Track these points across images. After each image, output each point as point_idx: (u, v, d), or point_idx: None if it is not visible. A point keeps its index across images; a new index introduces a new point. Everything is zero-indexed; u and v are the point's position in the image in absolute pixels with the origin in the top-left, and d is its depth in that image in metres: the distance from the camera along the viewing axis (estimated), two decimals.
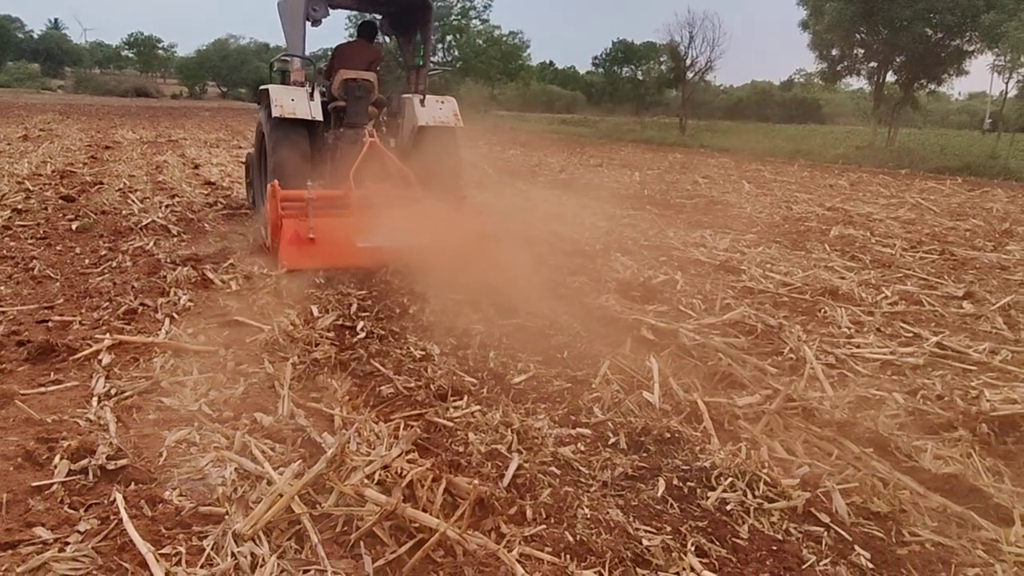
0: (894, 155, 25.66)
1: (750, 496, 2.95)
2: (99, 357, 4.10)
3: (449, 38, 55.49)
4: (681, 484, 3.04)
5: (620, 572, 2.48)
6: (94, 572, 2.35)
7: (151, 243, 7.13)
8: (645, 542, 2.63)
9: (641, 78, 68.59)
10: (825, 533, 2.77)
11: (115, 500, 2.68)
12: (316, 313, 5.06)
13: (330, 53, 8.51)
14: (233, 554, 2.42)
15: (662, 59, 59.11)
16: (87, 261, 6.40)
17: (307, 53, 7.85)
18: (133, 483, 2.86)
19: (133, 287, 5.52)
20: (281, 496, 2.64)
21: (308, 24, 7.61)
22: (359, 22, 9.77)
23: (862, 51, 30.87)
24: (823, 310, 5.87)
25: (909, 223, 11.13)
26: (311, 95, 7.28)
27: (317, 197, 6.33)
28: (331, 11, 7.88)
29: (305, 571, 2.40)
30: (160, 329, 4.61)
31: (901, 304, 6.21)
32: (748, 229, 9.87)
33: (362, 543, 2.54)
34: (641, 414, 3.67)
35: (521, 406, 3.76)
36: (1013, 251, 8.96)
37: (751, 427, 3.64)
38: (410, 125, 7.86)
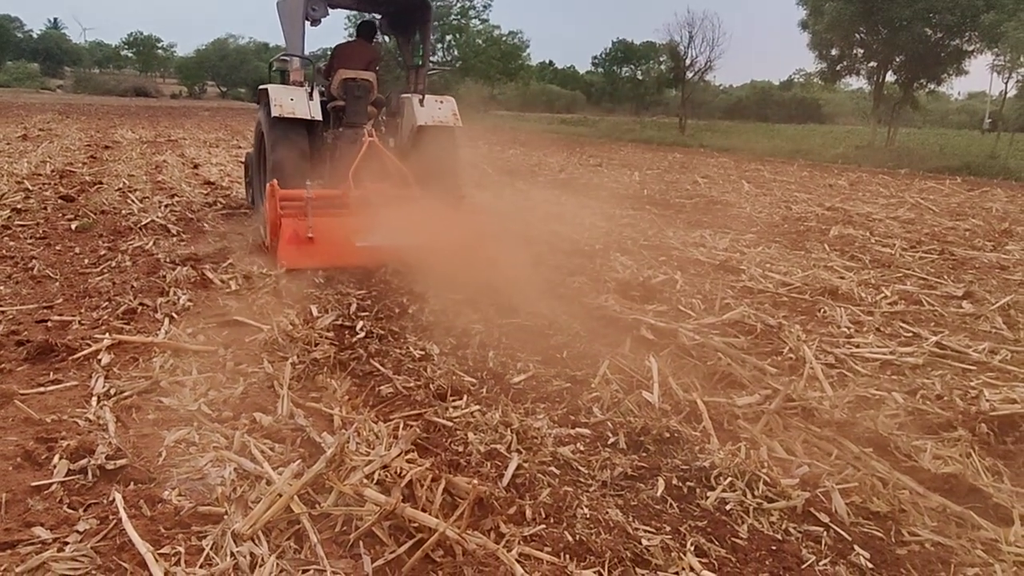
0: (894, 155, 25.67)
1: (749, 496, 2.95)
2: (98, 357, 4.10)
3: (449, 38, 55.52)
4: (680, 484, 3.05)
5: (619, 572, 2.48)
6: (93, 572, 2.35)
7: (150, 243, 7.12)
8: (644, 542, 2.63)
9: (641, 78, 68.65)
10: (824, 533, 2.77)
11: (114, 500, 2.68)
12: (315, 313, 5.06)
13: (329, 53, 8.50)
14: (232, 554, 2.42)
15: (662, 59, 59.27)
16: (86, 261, 6.40)
17: (306, 53, 7.85)
18: (132, 483, 2.86)
19: (132, 287, 5.51)
20: (280, 496, 2.64)
21: (307, 24, 7.61)
22: (358, 22, 9.75)
23: (862, 51, 30.89)
24: (823, 310, 5.87)
25: (909, 223, 11.13)
26: (310, 95, 7.28)
27: (316, 196, 6.33)
28: (330, 11, 7.88)
29: (304, 571, 2.40)
30: (159, 329, 4.61)
31: (901, 304, 6.21)
32: (748, 229, 9.87)
33: (361, 543, 2.54)
34: (640, 414, 3.67)
35: (520, 406, 3.76)
36: (1012, 251, 8.97)
37: (750, 427, 3.64)
38: (409, 125, 7.86)
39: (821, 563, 2.60)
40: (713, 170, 19.82)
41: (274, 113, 7.00)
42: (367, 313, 5.18)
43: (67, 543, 2.45)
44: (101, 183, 11.11)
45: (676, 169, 19.79)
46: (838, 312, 5.77)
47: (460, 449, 3.27)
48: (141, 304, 5.08)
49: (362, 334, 4.72)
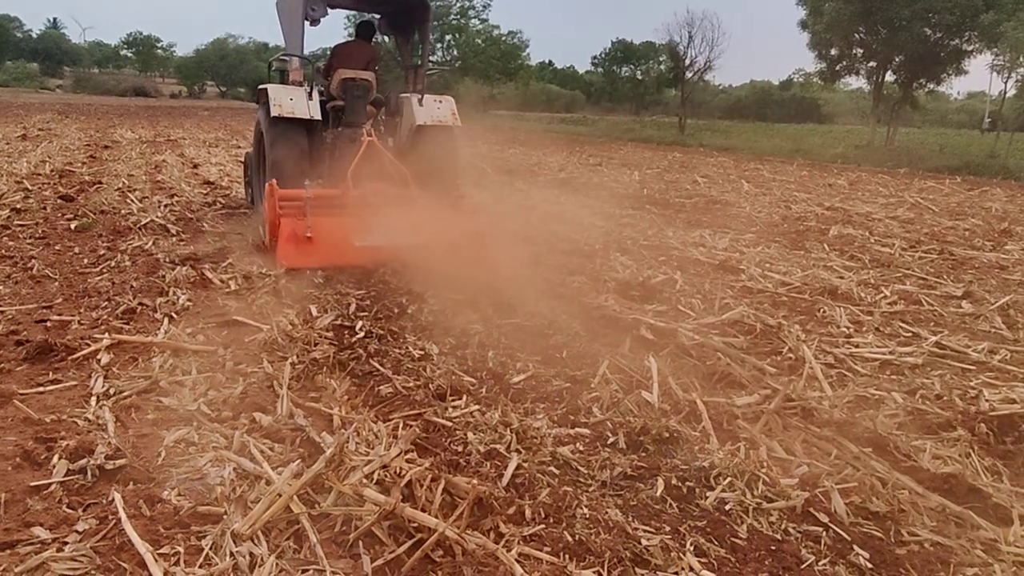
0: (893, 154, 25.68)
1: (749, 496, 2.95)
2: (98, 357, 4.10)
3: (448, 37, 55.50)
4: (680, 484, 3.05)
5: (619, 572, 2.48)
6: (92, 572, 2.35)
7: (150, 242, 7.12)
8: (644, 542, 2.63)
9: (640, 78, 68.68)
10: (824, 533, 2.77)
11: (113, 500, 2.68)
12: (315, 313, 5.06)
13: (329, 52, 8.51)
14: (232, 554, 2.42)
15: (661, 59, 59.31)
16: (86, 260, 6.39)
17: (306, 53, 7.85)
18: (132, 483, 2.86)
19: (132, 287, 5.51)
20: (280, 496, 2.64)
21: (307, 24, 7.61)
22: (357, 21, 9.75)
23: (861, 51, 30.92)
24: (822, 310, 5.87)
25: (908, 222, 11.14)
26: (309, 94, 7.29)
27: (315, 196, 6.35)
28: (329, 11, 7.88)
29: (304, 571, 2.40)
30: (159, 329, 4.60)
31: (900, 304, 6.21)
32: (747, 228, 9.87)
33: (361, 543, 2.54)
34: (640, 414, 3.67)
35: (520, 406, 3.76)
36: (1012, 250, 8.97)
37: (750, 427, 3.64)
38: (408, 124, 7.87)
39: (820, 563, 2.60)
40: (713, 170, 19.82)
41: (273, 113, 7.00)
42: (366, 313, 5.18)
43: (66, 543, 2.45)
44: (100, 183, 11.10)
45: (676, 169, 19.79)
46: (837, 312, 5.77)
47: (459, 449, 3.27)
48: (140, 304, 5.08)
49: (361, 334, 4.72)
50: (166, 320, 4.76)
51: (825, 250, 8.56)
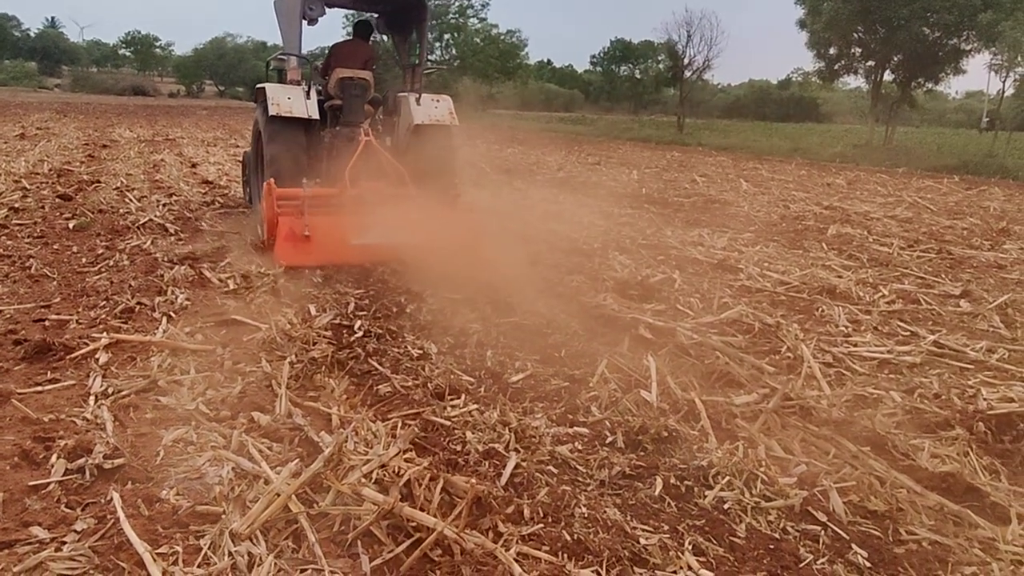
0: (891, 154, 25.71)
1: (747, 495, 2.96)
2: (96, 356, 4.09)
3: (447, 36, 55.49)
4: (678, 483, 3.05)
5: (617, 571, 2.48)
6: (91, 571, 2.35)
7: (148, 242, 7.11)
8: (642, 541, 2.63)
9: (639, 77, 68.64)
10: (822, 532, 2.77)
11: (112, 499, 2.68)
12: (313, 312, 5.06)
13: (326, 52, 8.50)
14: (230, 553, 2.42)
15: (660, 58, 59.26)
16: (84, 260, 6.38)
17: (304, 52, 7.85)
18: (130, 482, 2.86)
19: (130, 286, 5.50)
20: (278, 495, 2.64)
21: (305, 23, 7.61)
22: (355, 21, 9.75)
23: (859, 50, 30.92)
24: (820, 309, 5.87)
25: (906, 222, 11.15)
26: (307, 94, 7.29)
27: (313, 195, 6.36)
28: (327, 10, 7.87)
29: (302, 570, 2.40)
30: (157, 328, 4.60)
31: (898, 303, 6.22)
32: (746, 228, 9.87)
33: (359, 542, 2.54)
34: (639, 413, 3.67)
35: (519, 405, 3.76)
36: (1010, 250, 8.98)
37: (748, 426, 3.64)
38: (406, 123, 7.87)
39: (819, 562, 2.60)
40: (711, 169, 19.83)
41: (271, 112, 7.00)
42: (365, 312, 5.18)
43: (65, 542, 2.45)
44: (99, 182, 11.09)
45: (674, 168, 19.79)
46: (836, 311, 5.78)
47: (458, 448, 3.27)
48: (139, 303, 5.08)
49: (360, 333, 4.72)
50: (164, 319, 4.76)
51: (823, 249, 8.56)
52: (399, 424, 3.48)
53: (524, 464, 3.12)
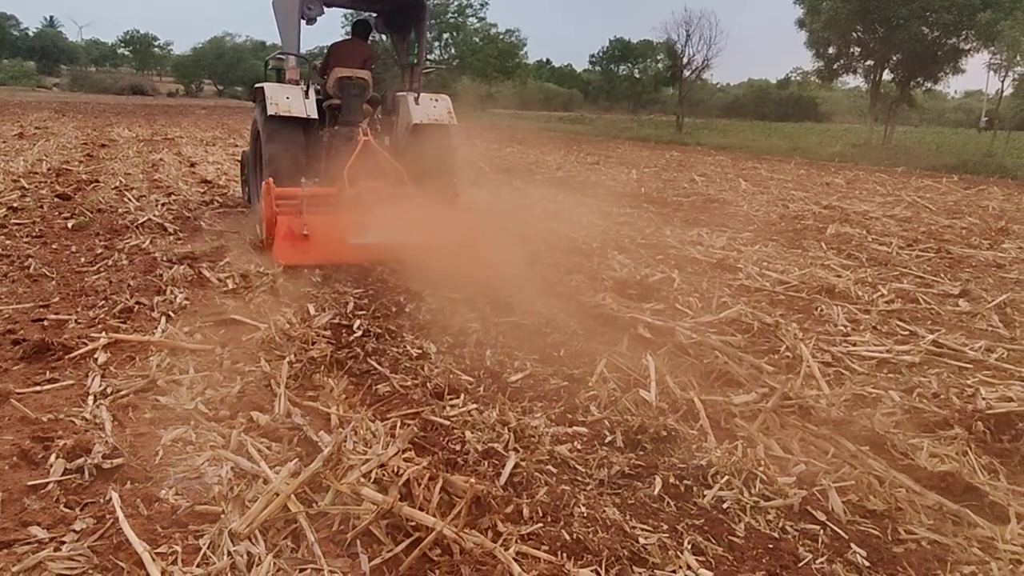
0: (890, 153, 25.72)
1: (746, 494, 2.96)
2: (95, 356, 4.09)
3: (446, 36, 55.49)
4: (677, 482, 3.05)
5: (616, 570, 2.48)
6: (90, 571, 2.34)
7: (147, 241, 7.11)
8: (641, 540, 2.63)
9: (638, 76, 68.65)
10: (821, 531, 2.77)
11: (111, 499, 2.68)
12: (313, 311, 5.06)
13: (325, 51, 8.50)
14: (229, 553, 2.41)
15: (659, 57, 59.26)
16: (83, 259, 6.38)
17: (302, 51, 7.85)
18: (129, 482, 2.85)
19: (129, 285, 5.50)
20: (277, 495, 2.64)
21: (303, 22, 7.60)
22: (354, 20, 9.75)
23: (858, 49, 30.92)
24: (819, 308, 5.88)
25: (905, 221, 11.15)
26: (306, 93, 7.29)
27: (311, 194, 6.37)
28: (326, 9, 7.87)
29: (301, 570, 2.40)
30: (156, 328, 4.60)
31: (897, 302, 6.22)
32: (745, 227, 9.87)
33: (359, 542, 2.54)
34: (638, 412, 3.67)
35: (518, 404, 3.76)
36: (1009, 249, 8.98)
37: (747, 425, 3.64)
38: (404, 123, 7.87)
39: (818, 561, 2.60)
40: (710, 168, 19.84)
41: (270, 111, 7.00)
42: (364, 312, 5.17)
43: (64, 542, 2.45)
44: (97, 181, 11.08)
45: (673, 167, 19.79)
46: (835, 310, 5.78)
47: (457, 448, 3.27)
48: (138, 303, 5.07)
49: (359, 333, 4.72)
50: (163, 319, 4.76)
51: (822, 249, 8.57)
52: (398, 424, 3.48)
53: (523, 464, 3.12)
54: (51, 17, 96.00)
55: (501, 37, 58.59)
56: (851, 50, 31.09)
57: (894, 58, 29.53)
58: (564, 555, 2.52)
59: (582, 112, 59.05)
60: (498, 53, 57.01)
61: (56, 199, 9.21)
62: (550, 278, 6.31)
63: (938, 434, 3.65)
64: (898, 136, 31.82)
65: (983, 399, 3.93)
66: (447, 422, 3.50)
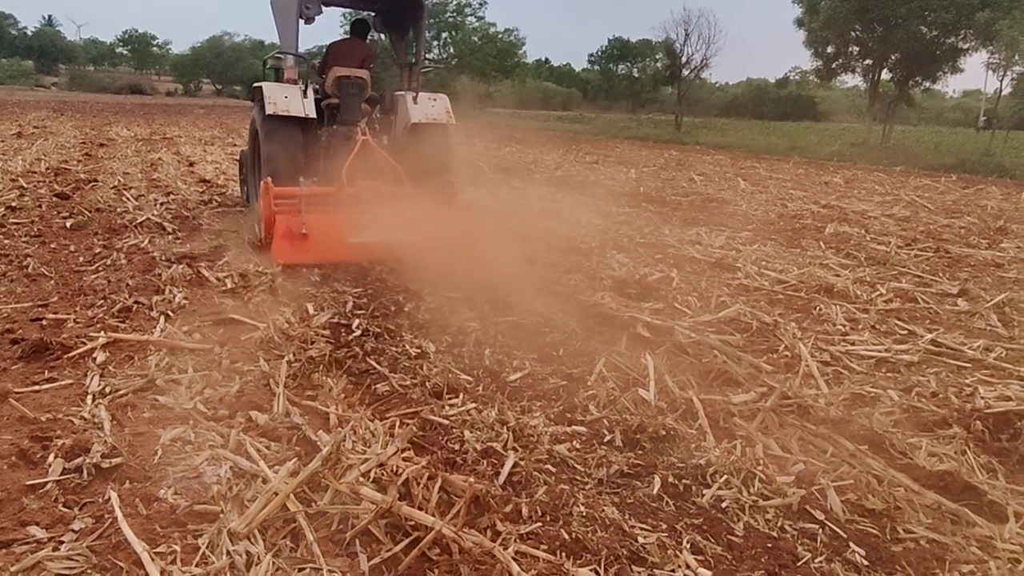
0: (889, 152, 25.75)
1: (745, 493, 2.96)
2: (93, 355, 4.08)
3: (445, 35, 55.50)
4: (676, 482, 3.05)
5: (615, 570, 2.48)
6: (88, 571, 2.34)
7: (146, 241, 7.10)
8: (640, 540, 2.63)
9: (637, 75, 68.72)
10: (820, 530, 2.77)
11: (109, 499, 2.67)
12: (311, 311, 5.05)
13: (324, 50, 8.50)
14: (228, 552, 2.41)
15: (658, 57, 59.34)
16: (81, 259, 6.37)
17: (300, 51, 7.84)
18: (128, 481, 2.85)
19: (128, 285, 5.50)
20: (276, 494, 2.64)
21: (302, 21, 7.60)
22: (352, 19, 9.75)
23: (857, 48, 30.97)
24: (818, 308, 5.88)
25: (904, 220, 11.16)
26: (304, 92, 7.29)
27: (310, 194, 6.37)
28: (324, 8, 7.87)
29: (300, 569, 2.40)
30: (155, 327, 4.59)
31: (896, 301, 6.22)
32: (743, 226, 9.88)
33: (358, 541, 2.54)
34: (636, 412, 3.67)
35: (517, 404, 3.76)
36: (1007, 248, 8.99)
37: (746, 424, 3.64)
38: (403, 122, 7.87)
39: (816, 560, 2.60)
40: (709, 167, 19.84)
41: (268, 111, 7.00)
42: (363, 311, 5.17)
43: (62, 542, 2.45)
44: (96, 181, 11.07)
45: (672, 166, 19.80)
46: (833, 310, 5.78)
47: (456, 447, 3.26)
48: (136, 302, 5.07)
49: (358, 332, 4.72)
50: (162, 318, 4.75)
51: (821, 248, 8.57)
52: (397, 423, 3.48)
53: (522, 463, 3.12)
54: (49, 16, 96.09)
55: (500, 36, 58.63)
56: (850, 49, 31.14)
57: (893, 57, 29.56)
58: (563, 554, 2.52)
59: (581, 111, 59.10)
60: (497, 52, 57.02)
61: (54, 198, 9.20)
62: (549, 277, 6.31)
63: (937, 433, 3.65)
64: (897, 135, 31.86)
65: (981, 398, 3.93)
66: (446, 421, 3.50)
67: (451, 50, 55.97)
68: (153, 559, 2.36)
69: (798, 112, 58.20)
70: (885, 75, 30.96)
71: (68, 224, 7.72)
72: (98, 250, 6.70)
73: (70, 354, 4.07)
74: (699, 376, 4.28)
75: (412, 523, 2.56)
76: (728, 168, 19.92)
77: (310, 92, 7.39)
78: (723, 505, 2.90)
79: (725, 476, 3.06)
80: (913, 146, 28.21)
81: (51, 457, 2.94)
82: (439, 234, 6.23)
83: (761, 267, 7.28)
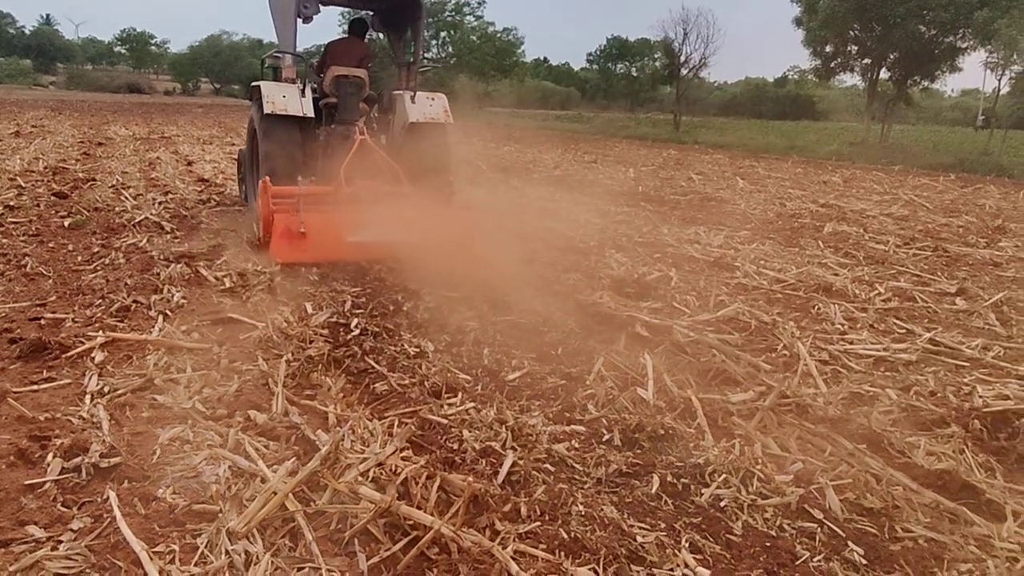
0: (887, 151, 25.78)
1: (744, 493, 2.96)
2: (92, 355, 4.08)
3: (443, 34, 55.48)
4: (675, 481, 3.05)
5: (614, 569, 2.48)
6: (87, 570, 2.34)
7: (144, 240, 7.09)
8: (639, 539, 2.63)
9: (635, 75, 68.73)
10: (818, 529, 2.78)
11: (108, 498, 2.67)
12: (310, 310, 5.05)
13: (322, 50, 8.49)
14: (227, 552, 2.41)
15: (656, 56, 59.37)
16: (80, 258, 6.37)
17: (299, 50, 7.84)
18: (126, 481, 2.85)
19: (126, 284, 5.49)
20: (275, 494, 2.64)
21: (299, 21, 7.60)
22: (351, 19, 9.74)
23: (856, 48, 31.00)
24: (817, 307, 5.88)
25: (902, 220, 11.17)
26: (302, 92, 7.29)
27: (308, 193, 6.38)
28: (322, 8, 7.86)
29: (299, 569, 2.40)
30: (153, 326, 4.59)
31: (894, 300, 6.23)
32: (742, 226, 9.88)
33: (356, 541, 2.54)
34: (635, 411, 3.68)
35: (515, 403, 3.76)
36: (1006, 247, 9.00)
37: (745, 424, 3.65)
38: (401, 122, 7.87)
39: (815, 559, 2.60)
40: (707, 167, 19.85)
41: (266, 110, 7.00)
42: (362, 310, 5.17)
43: (61, 541, 2.45)
44: (94, 180, 11.06)
45: (671, 166, 19.80)
46: (832, 309, 5.79)
47: (455, 447, 3.26)
48: (135, 302, 5.06)
49: (357, 331, 4.71)
50: (161, 318, 4.75)
51: (820, 247, 8.58)
52: (396, 422, 3.48)
53: (521, 462, 3.12)
54: (47, 15, 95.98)
55: (498, 35, 58.63)
56: (848, 48, 31.18)
57: (891, 56, 29.60)
58: (562, 553, 2.52)
59: (579, 111, 59.14)
60: (495, 51, 57.01)
61: (53, 197, 9.19)
62: (547, 277, 6.31)
63: (935, 432, 3.66)
64: (895, 134, 31.89)
65: (980, 397, 3.94)
66: (445, 421, 3.50)
67: (449, 49, 55.96)
68: (152, 558, 2.36)
69: (797, 111, 58.24)
70: (884, 74, 31.03)
71: (66, 223, 7.71)
72: (96, 249, 6.69)
73: (68, 353, 4.06)
74: (698, 375, 4.28)
75: (411, 522, 2.56)
76: (727, 167, 19.93)
77: (308, 91, 7.38)
78: (722, 504, 2.90)
79: (724, 475, 3.06)
80: (911, 145, 28.25)
81: (50, 457, 2.94)
82: (437, 233, 6.23)
83: (760, 266, 7.28)
